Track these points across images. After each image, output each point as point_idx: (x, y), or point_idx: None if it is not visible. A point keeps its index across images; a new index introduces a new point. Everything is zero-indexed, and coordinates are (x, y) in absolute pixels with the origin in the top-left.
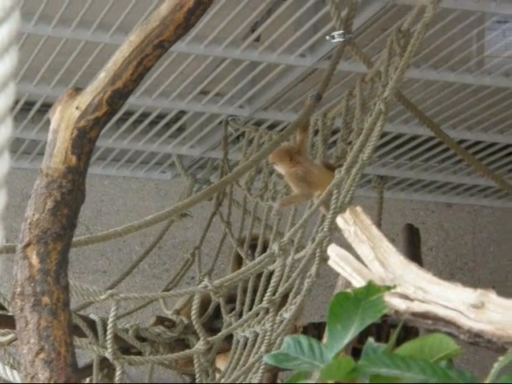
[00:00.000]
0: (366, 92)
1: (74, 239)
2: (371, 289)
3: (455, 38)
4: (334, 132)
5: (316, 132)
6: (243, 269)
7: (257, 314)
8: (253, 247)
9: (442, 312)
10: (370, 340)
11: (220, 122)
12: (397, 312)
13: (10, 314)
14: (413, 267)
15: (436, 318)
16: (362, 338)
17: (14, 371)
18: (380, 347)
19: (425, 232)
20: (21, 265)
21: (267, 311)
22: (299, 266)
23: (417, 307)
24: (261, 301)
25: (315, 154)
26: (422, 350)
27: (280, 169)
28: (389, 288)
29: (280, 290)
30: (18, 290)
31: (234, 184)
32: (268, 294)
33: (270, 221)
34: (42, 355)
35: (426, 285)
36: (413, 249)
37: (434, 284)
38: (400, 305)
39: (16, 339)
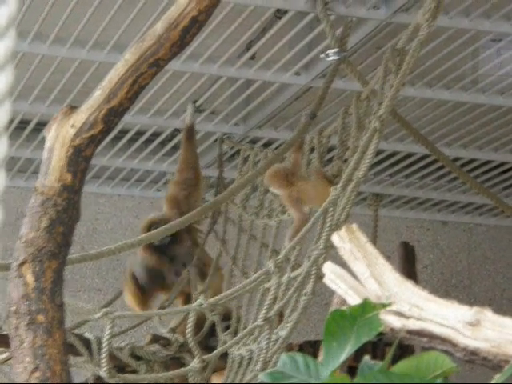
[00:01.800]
0: (361, 110)
1: (69, 257)
2: (367, 306)
3: (450, 56)
4: (330, 149)
5: (312, 150)
6: (238, 286)
7: (252, 332)
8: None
9: (437, 330)
10: (366, 358)
11: (215, 140)
12: (392, 330)
13: (5, 332)
14: (408, 285)
15: (432, 336)
16: (357, 356)
17: None
18: (376, 365)
19: (420, 250)
20: (16, 283)
21: (262, 329)
22: (295, 284)
23: (412, 325)
24: (256, 319)
25: (310, 168)
26: (417, 368)
27: (275, 190)
28: (384, 306)
29: (275, 307)
30: (13, 308)
31: (229, 202)
32: (263, 311)
33: (265, 239)
34: (36, 374)
35: (422, 302)
36: (408, 267)
37: (429, 301)
38: (395, 322)
39: (11, 358)
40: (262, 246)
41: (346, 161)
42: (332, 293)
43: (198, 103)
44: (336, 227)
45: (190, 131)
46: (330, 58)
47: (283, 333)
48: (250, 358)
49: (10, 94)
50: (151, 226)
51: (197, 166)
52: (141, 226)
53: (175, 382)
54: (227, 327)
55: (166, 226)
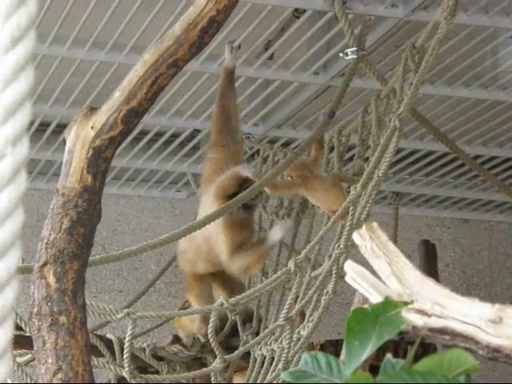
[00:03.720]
0: (381, 108)
1: (90, 259)
2: (388, 304)
3: (469, 53)
4: (350, 148)
5: (331, 149)
6: (259, 286)
7: (274, 332)
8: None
9: (459, 327)
10: (388, 356)
11: None
12: (414, 328)
13: (27, 334)
14: (430, 283)
15: (454, 334)
16: (379, 354)
17: None
18: (398, 363)
19: (441, 248)
20: (38, 284)
21: (284, 329)
22: (316, 283)
23: (434, 323)
24: (277, 318)
25: (331, 171)
26: (440, 366)
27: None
28: (406, 304)
29: (297, 307)
30: (36, 309)
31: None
32: (284, 311)
33: (285, 238)
34: (59, 375)
35: (444, 300)
36: (429, 265)
37: (451, 299)
38: (417, 320)
39: (33, 360)
40: (281, 245)
41: (367, 159)
42: (353, 292)
43: (235, 43)
44: (356, 226)
45: (231, 74)
46: (349, 57)
47: (305, 332)
48: (272, 358)
49: (31, 95)
50: (242, 185)
51: (238, 116)
52: (223, 181)
53: (197, 382)
54: (249, 327)
55: (186, 226)
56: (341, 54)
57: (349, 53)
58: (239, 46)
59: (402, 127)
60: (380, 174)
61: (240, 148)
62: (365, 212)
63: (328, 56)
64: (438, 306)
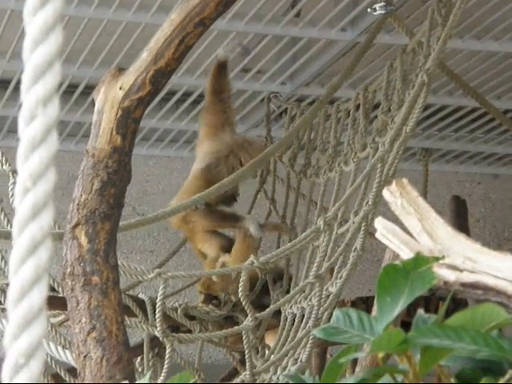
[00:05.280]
0: (407, 64)
1: (123, 223)
2: (420, 260)
3: (498, 6)
4: (376, 106)
5: (357, 107)
6: (288, 245)
7: (303, 290)
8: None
9: (491, 282)
10: (420, 311)
11: (262, 100)
12: (446, 283)
13: (61, 295)
14: (461, 238)
15: (486, 288)
16: (410, 311)
17: (67, 351)
18: (430, 318)
19: (471, 204)
20: (70, 245)
21: (313, 286)
22: (344, 241)
23: (466, 278)
24: (307, 276)
25: (356, 129)
26: (472, 320)
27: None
28: (437, 259)
29: (326, 264)
30: (68, 270)
31: (278, 161)
32: (314, 269)
33: (313, 196)
34: (93, 334)
35: (475, 255)
36: (460, 221)
37: (483, 254)
38: (449, 276)
39: (67, 320)
40: (310, 203)
41: (390, 113)
42: (383, 249)
43: (235, 41)
44: (385, 183)
45: (224, 64)
46: (377, 12)
47: (333, 289)
48: (302, 316)
49: (60, 56)
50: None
51: (230, 91)
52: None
53: (229, 340)
54: (279, 286)
55: (216, 186)
56: (369, 10)
57: (377, 8)
58: (245, 50)
59: (430, 82)
60: (408, 130)
61: (231, 114)
62: (392, 168)
63: (355, 12)
64: (469, 260)
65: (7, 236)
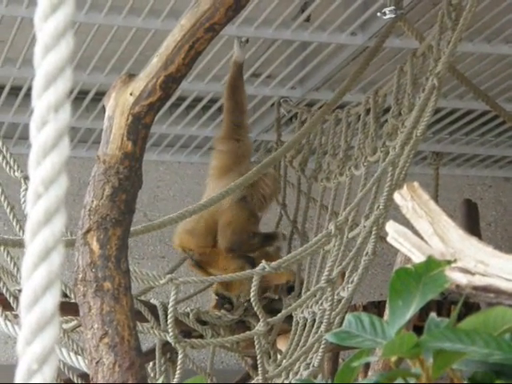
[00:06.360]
0: (417, 67)
1: (132, 228)
2: (431, 263)
3: (508, 9)
4: (387, 110)
5: (368, 111)
6: (299, 250)
7: (315, 294)
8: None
9: (504, 285)
10: (432, 315)
11: (272, 104)
12: (458, 286)
13: (73, 301)
14: (473, 241)
15: (498, 291)
16: (422, 315)
17: (79, 357)
18: (442, 322)
19: (483, 207)
20: (82, 251)
21: (325, 291)
22: (356, 245)
23: (478, 281)
24: (318, 281)
25: (367, 133)
26: (485, 324)
27: None
28: (449, 262)
29: (337, 269)
30: (80, 276)
31: (288, 165)
32: (325, 273)
33: (324, 201)
34: (105, 340)
35: (487, 258)
36: (471, 224)
37: (495, 257)
38: (461, 279)
39: (79, 326)
40: (321, 208)
41: (400, 117)
42: (395, 253)
43: (243, 38)
44: (396, 187)
45: (241, 68)
46: (387, 17)
47: (345, 294)
48: (314, 320)
49: (71, 61)
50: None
51: (247, 113)
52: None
53: (241, 345)
54: (290, 290)
55: (224, 190)
56: (378, 14)
57: (387, 12)
58: (247, 41)
59: (440, 86)
60: (418, 134)
61: (250, 147)
62: (403, 172)
63: (365, 16)
64: (481, 264)
65: (19, 244)
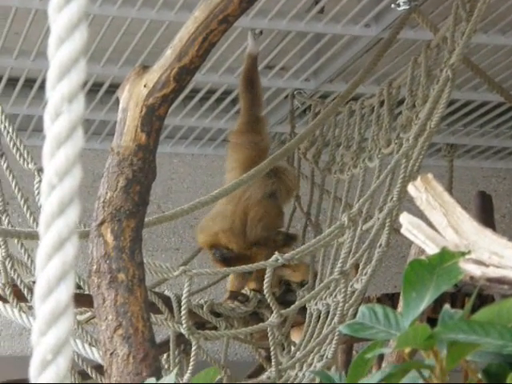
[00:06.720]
0: (431, 59)
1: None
2: (446, 255)
3: None
4: (401, 102)
5: (382, 102)
6: (313, 241)
7: (328, 286)
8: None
9: None
10: (446, 306)
11: (286, 96)
12: (472, 278)
13: (87, 293)
14: (487, 233)
15: None
16: (436, 307)
17: (93, 348)
18: (456, 313)
19: (497, 199)
20: (96, 243)
21: (338, 282)
22: (369, 237)
23: (492, 272)
24: (332, 273)
25: (381, 125)
26: (499, 315)
27: None
28: (463, 254)
29: (351, 261)
30: (94, 267)
31: (302, 158)
32: (339, 265)
33: (338, 193)
34: (120, 331)
35: (502, 250)
36: (486, 216)
37: (509, 249)
38: (475, 271)
39: (93, 318)
40: (334, 200)
41: (414, 109)
42: (409, 245)
43: (257, 30)
44: (409, 178)
45: (255, 60)
46: (401, 8)
47: (359, 285)
48: (327, 312)
49: (85, 52)
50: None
51: (263, 103)
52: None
53: (255, 337)
54: (304, 284)
55: (236, 181)
56: (393, 5)
57: (401, 3)
58: (261, 33)
59: (454, 77)
60: (432, 126)
61: (269, 140)
62: (417, 164)
63: (379, 8)
64: (495, 255)
65: (33, 236)
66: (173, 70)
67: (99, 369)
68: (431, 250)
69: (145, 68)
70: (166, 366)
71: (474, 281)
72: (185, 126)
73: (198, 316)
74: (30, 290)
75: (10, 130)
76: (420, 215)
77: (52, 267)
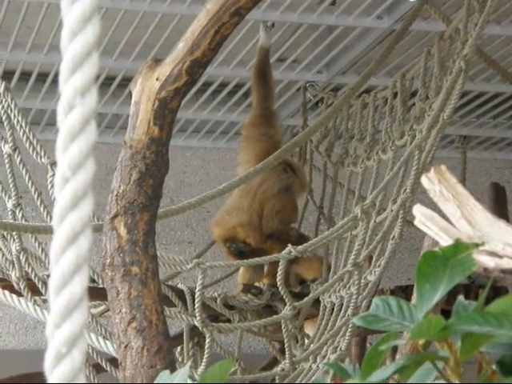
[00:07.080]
0: (444, 50)
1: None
2: (459, 247)
3: None
4: (414, 93)
5: (395, 94)
6: (326, 233)
7: (342, 278)
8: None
9: None
10: (460, 298)
11: (298, 89)
12: (486, 270)
13: (101, 286)
14: (501, 224)
15: None
16: (450, 299)
17: (107, 341)
18: (470, 305)
19: (510, 191)
20: (109, 236)
21: (352, 274)
22: (382, 229)
23: (506, 264)
24: (345, 265)
25: (394, 117)
26: None
27: None
28: (477, 245)
29: (364, 253)
30: (108, 260)
31: (314, 151)
32: (352, 257)
33: (351, 186)
34: (134, 324)
35: None
36: (499, 208)
37: None
38: (489, 262)
39: (107, 311)
40: (348, 193)
41: (427, 100)
42: (422, 238)
43: (269, 23)
44: (423, 170)
45: (267, 52)
46: (413, 0)
47: (372, 277)
48: (341, 304)
49: (98, 46)
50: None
51: (274, 97)
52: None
53: (268, 330)
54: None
55: (245, 174)
56: None
57: None
58: (273, 25)
59: (467, 69)
60: (445, 117)
61: (283, 133)
62: (430, 155)
63: None
64: (509, 247)
65: (47, 230)
66: (185, 64)
67: (113, 362)
68: (445, 241)
69: (157, 61)
70: (180, 359)
71: (487, 272)
72: (197, 119)
73: (212, 309)
74: (45, 284)
75: (23, 124)
76: (433, 207)
77: (66, 261)
